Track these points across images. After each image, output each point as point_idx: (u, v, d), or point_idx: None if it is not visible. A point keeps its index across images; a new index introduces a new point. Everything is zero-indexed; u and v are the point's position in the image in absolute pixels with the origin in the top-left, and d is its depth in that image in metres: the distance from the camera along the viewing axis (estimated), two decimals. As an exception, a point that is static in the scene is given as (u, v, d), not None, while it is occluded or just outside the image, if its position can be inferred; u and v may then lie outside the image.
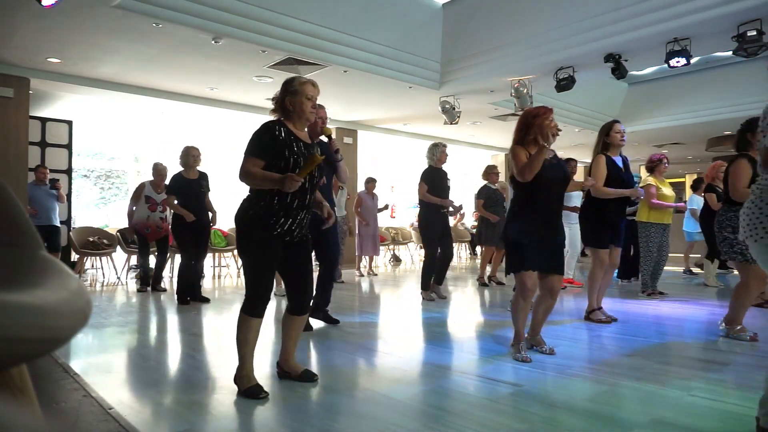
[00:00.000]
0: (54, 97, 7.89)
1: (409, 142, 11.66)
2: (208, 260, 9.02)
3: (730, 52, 5.48)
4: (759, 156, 1.99)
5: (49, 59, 6.31)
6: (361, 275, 8.31)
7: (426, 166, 5.65)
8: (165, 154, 9.98)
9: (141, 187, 6.32)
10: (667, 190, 5.67)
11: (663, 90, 10.14)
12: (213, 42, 5.67)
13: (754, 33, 5.06)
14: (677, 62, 5.65)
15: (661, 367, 2.99)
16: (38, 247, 0.83)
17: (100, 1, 4.73)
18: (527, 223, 3.09)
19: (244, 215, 2.52)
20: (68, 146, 7.97)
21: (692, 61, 5.71)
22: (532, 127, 3.09)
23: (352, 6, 6.35)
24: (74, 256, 7.80)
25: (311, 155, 2.51)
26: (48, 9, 4.55)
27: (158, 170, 6.37)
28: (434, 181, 5.51)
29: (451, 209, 5.61)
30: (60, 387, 2.61)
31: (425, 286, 5.63)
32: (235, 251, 9.02)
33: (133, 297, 6.04)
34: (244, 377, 2.53)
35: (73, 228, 8.00)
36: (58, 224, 6.93)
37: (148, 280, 6.37)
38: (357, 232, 8.24)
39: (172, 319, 4.70)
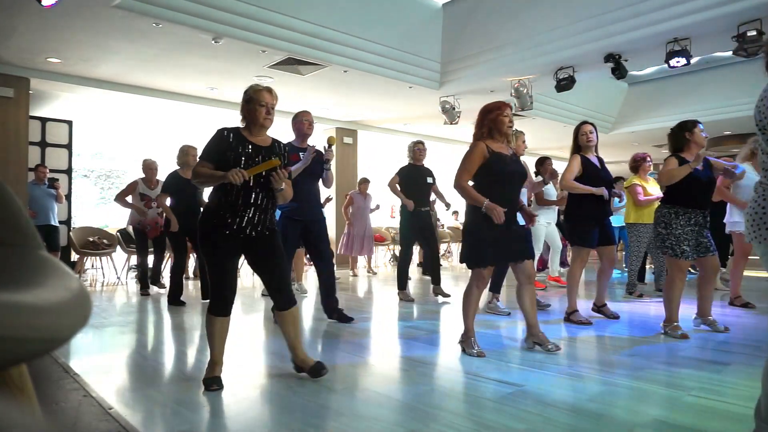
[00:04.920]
0: (54, 97, 7.89)
1: (409, 142, 11.65)
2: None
3: (730, 52, 5.48)
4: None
5: (49, 59, 6.31)
6: (355, 275, 8.30)
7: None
8: (165, 154, 9.98)
9: (134, 185, 6.25)
10: (654, 189, 5.64)
11: (663, 90, 10.14)
12: (213, 42, 5.67)
13: (754, 33, 5.06)
14: (677, 62, 5.65)
15: (661, 367, 2.99)
16: (38, 246, 0.83)
17: (100, 1, 4.73)
18: (489, 217, 3.11)
19: (202, 217, 2.68)
20: (68, 146, 7.97)
21: (692, 61, 5.71)
22: (489, 123, 3.25)
23: (352, 6, 6.35)
24: (74, 256, 7.80)
25: (270, 160, 2.58)
26: (48, 9, 4.55)
27: (149, 166, 6.27)
28: (409, 178, 5.56)
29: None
30: (60, 387, 2.61)
31: (401, 285, 5.60)
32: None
33: (133, 297, 6.04)
34: (208, 366, 2.68)
35: (73, 228, 8.00)
36: (57, 224, 6.92)
37: (149, 282, 6.36)
38: (345, 231, 8.23)
39: (172, 319, 4.70)
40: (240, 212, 2.58)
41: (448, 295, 5.61)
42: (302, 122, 4.14)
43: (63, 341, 0.62)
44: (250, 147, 2.61)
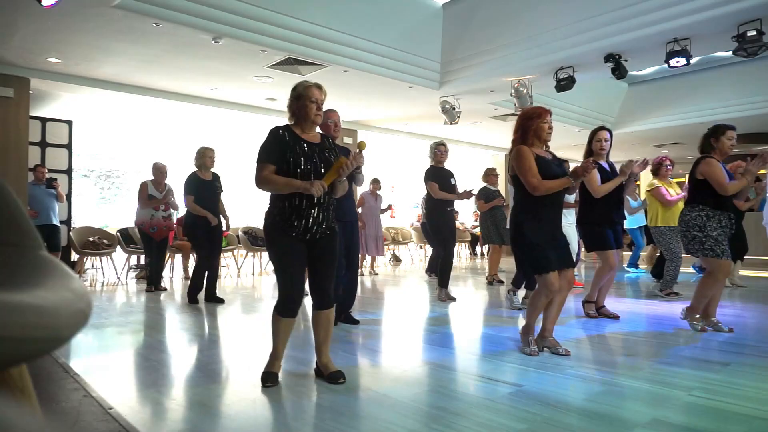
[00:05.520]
0: (54, 97, 7.89)
1: (409, 142, 11.67)
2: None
3: (730, 52, 5.48)
4: None
5: (49, 59, 6.31)
6: (360, 275, 8.31)
7: (428, 166, 5.58)
8: (165, 154, 9.98)
9: (144, 186, 6.30)
10: (674, 192, 5.60)
11: (663, 90, 10.14)
12: (213, 42, 5.67)
13: (754, 33, 5.07)
14: (677, 62, 5.65)
15: (661, 367, 2.99)
16: (38, 247, 0.83)
17: (100, 2, 4.73)
18: (540, 223, 3.14)
19: (266, 223, 2.67)
20: (68, 146, 7.97)
21: (692, 61, 5.71)
22: (529, 130, 3.19)
23: (352, 6, 6.35)
24: (74, 256, 7.80)
25: (337, 160, 2.58)
26: (48, 9, 4.55)
27: (159, 169, 6.35)
28: (437, 180, 5.41)
29: (463, 194, 5.39)
30: (60, 387, 2.61)
31: (443, 283, 5.52)
32: (235, 251, 9.06)
33: (133, 297, 6.04)
34: (270, 360, 2.74)
35: (73, 228, 8.00)
36: (57, 223, 6.93)
37: (153, 279, 6.37)
38: (363, 232, 8.24)
39: (173, 319, 4.70)
40: (306, 214, 2.59)
41: (453, 299, 5.55)
42: (326, 124, 3.96)
43: (63, 341, 0.62)
44: (305, 145, 2.61)
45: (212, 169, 5.52)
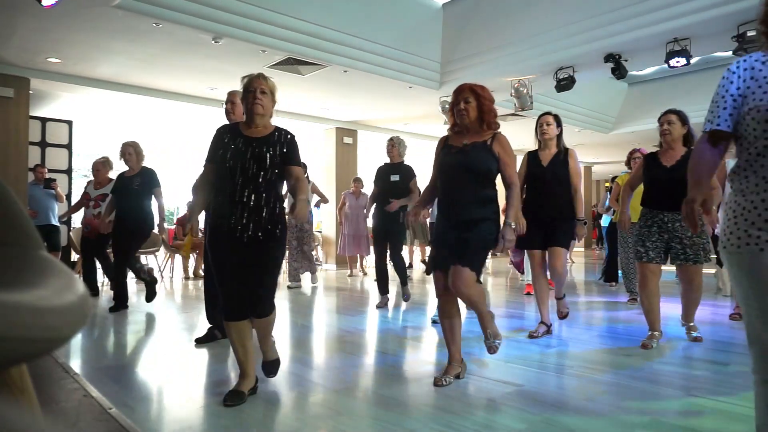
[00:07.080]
0: (54, 97, 7.88)
1: (409, 142, 11.64)
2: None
3: (730, 52, 5.48)
4: None
5: (49, 59, 6.31)
6: (361, 273, 8.31)
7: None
8: (164, 154, 9.99)
9: (87, 184, 6.14)
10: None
11: (663, 90, 10.14)
12: (213, 42, 5.67)
13: (754, 33, 5.06)
14: (677, 62, 5.65)
15: (661, 367, 2.99)
16: (38, 247, 0.83)
17: (100, 1, 4.73)
18: (437, 218, 2.85)
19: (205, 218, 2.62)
20: (68, 146, 7.97)
21: (692, 61, 5.71)
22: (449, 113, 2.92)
23: (352, 6, 6.35)
24: (74, 256, 7.80)
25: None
26: (48, 9, 4.55)
27: (94, 165, 6.04)
28: (380, 177, 5.30)
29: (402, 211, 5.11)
30: (60, 387, 2.61)
31: (380, 290, 5.28)
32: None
33: (132, 297, 6.04)
34: (238, 379, 2.55)
35: (73, 228, 8.00)
36: (57, 223, 6.92)
37: (96, 286, 6.12)
38: (343, 232, 8.24)
39: (172, 319, 4.70)
40: (233, 211, 2.42)
41: (383, 306, 5.24)
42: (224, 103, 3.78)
43: (63, 341, 0.62)
44: (240, 141, 2.50)
45: (144, 164, 5.16)
